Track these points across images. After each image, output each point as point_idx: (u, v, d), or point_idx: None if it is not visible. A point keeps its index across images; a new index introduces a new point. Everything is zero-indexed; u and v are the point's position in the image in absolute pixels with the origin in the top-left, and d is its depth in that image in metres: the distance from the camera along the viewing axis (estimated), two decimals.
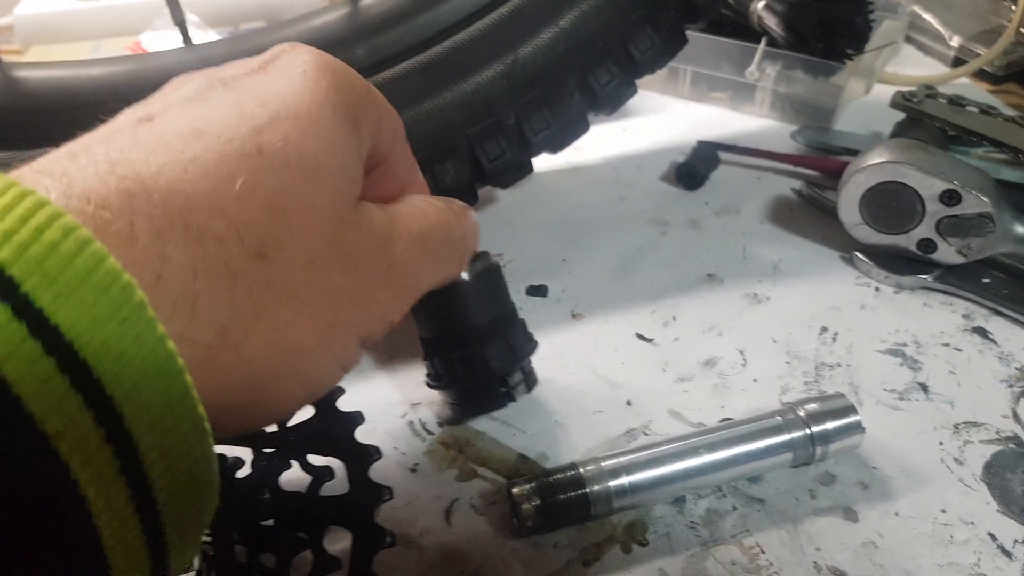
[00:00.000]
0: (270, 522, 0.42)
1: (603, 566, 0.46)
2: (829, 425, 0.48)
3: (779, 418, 0.49)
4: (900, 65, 0.96)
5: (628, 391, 0.56)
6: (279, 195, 0.27)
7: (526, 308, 0.63)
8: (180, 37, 0.63)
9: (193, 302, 0.24)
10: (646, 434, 0.53)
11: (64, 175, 0.23)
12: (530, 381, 0.51)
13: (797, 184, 0.74)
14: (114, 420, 0.20)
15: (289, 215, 0.27)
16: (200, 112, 0.27)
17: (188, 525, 0.23)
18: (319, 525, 0.41)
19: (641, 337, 0.60)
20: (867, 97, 0.88)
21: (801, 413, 0.49)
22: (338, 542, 0.42)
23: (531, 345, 0.51)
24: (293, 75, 0.30)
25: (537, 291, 0.64)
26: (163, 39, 0.92)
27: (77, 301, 0.20)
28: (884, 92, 0.88)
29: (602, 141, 0.83)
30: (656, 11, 0.63)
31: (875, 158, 0.61)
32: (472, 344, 0.47)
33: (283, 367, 0.28)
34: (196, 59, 0.61)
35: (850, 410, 0.49)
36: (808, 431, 0.48)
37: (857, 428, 0.49)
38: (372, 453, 0.41)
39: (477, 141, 0.63)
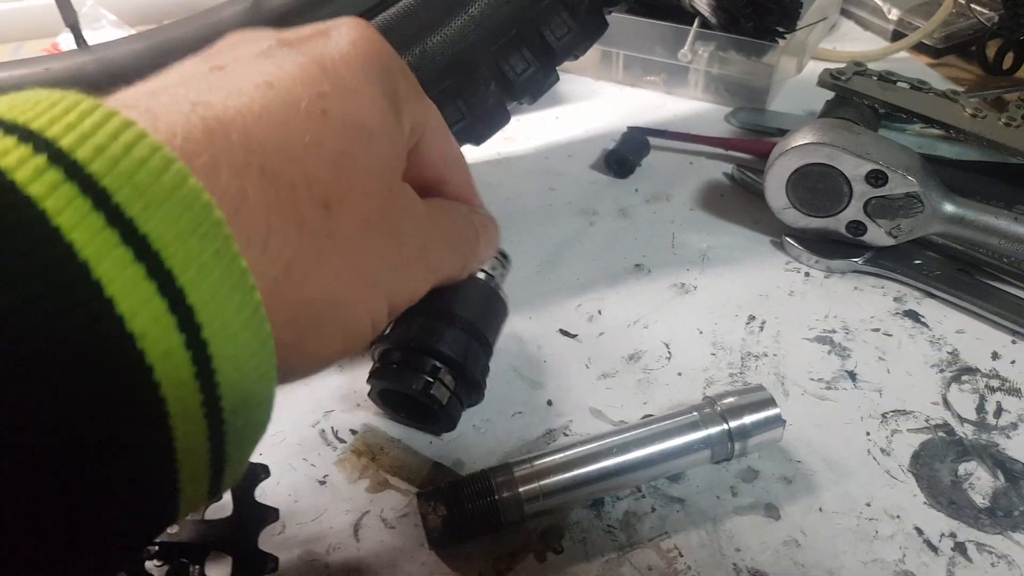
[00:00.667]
0: (154, 547, 0.39)
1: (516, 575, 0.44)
2: (747, 419, 0.47)
3: (696, 414, 0.47)
4: (838, 41, 0.94)
5: (550, 390, 0.54)
6: (340, 156, 0.29)
7: None
8: (104, 35, 0.60)
9: (266, 238, 0.25)
10: (566, 435, 0.51)
11: (148, 110, 0.24)
12: (457, 398, 0.48)
13: (728, 167, 0.72)
14: (194, 328, 0.21)
15: (350, 175, 0.29)
16: (269, 67, 0.28)
17: (246, 441, 0.25)
18: (201, 549, 0.39)
19: (565, 333, 0.58)
20: (803, 76, 0.86)
21: (718, 408, 0.47)
22: (224, 566, 0.40)
23: (480, 371, 0.48)
24: (347, 49, 0.31)
25: None
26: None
27: (163, 214, 0.21)
28: (818, 69, 0.86)
29: (533, 130, 0.80)
30: None
31: (799, 140, 0.59)
32: (437, 318, 0.45)
33: (332, 313, 0.30)
34: (92, 60, 0.59)
35: (769, 403, 0.47)
36: (726, 426, 0.46)
37: (776, 421, 0.47)
38: (258, 473, 0.39)
39: None
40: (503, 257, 0.50)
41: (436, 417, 0.49)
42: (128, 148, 0.21)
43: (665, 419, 0.47)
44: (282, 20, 0.58)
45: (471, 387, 0.48)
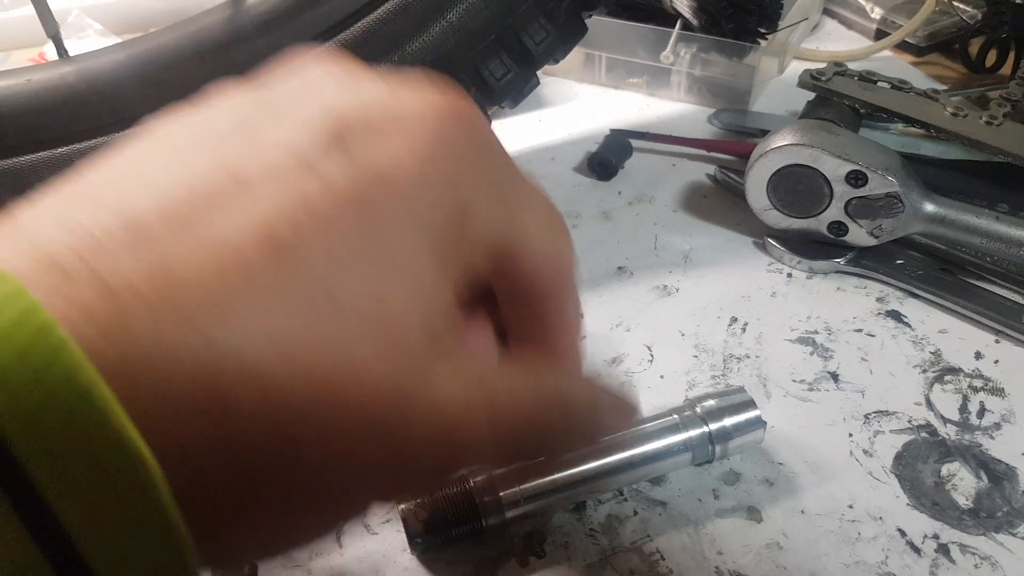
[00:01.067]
0: None
1: None
2: (728, 421, 0.47)
3: (676, 416, 0.47)
4: (822, 41, 0.94)
5: None
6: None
7: None
8: (89, 44, 0.60)
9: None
10: None
11: (92, 276, 0.17)
12: None
13: (711, 169, 0.72)
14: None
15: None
16: (315, 198, 0.20)
17: None
18: None
19: None
20: (785, 76, 0.86)
21: (698, 410, 0.47)
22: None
23: None
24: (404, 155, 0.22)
25: None
26: (68, 48, 0.89)
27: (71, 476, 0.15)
28: (800, 69, 0.86)
29: (516, 133, 0.80)
30: (548, 0, 0.61)
31: (779, 141, 0.59)
32: None
33: None
34: (74, 71, 0.58)
35: (749, 405, 0.47)
36: (706, 429, 0.46)
37: (757, 423, 0.47)
38: None
39: None
40: None
41: None
42: (38, 374, 0.15)
43: (645, 422, 0.47)
44: (265, 28, 0.58)
45: None
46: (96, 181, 0.20)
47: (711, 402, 0.47)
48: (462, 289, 0.24)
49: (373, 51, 0.59)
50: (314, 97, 0.22)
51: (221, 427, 0.17)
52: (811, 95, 0.69)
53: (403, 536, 0.45)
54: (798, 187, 0.60)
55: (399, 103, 0.23)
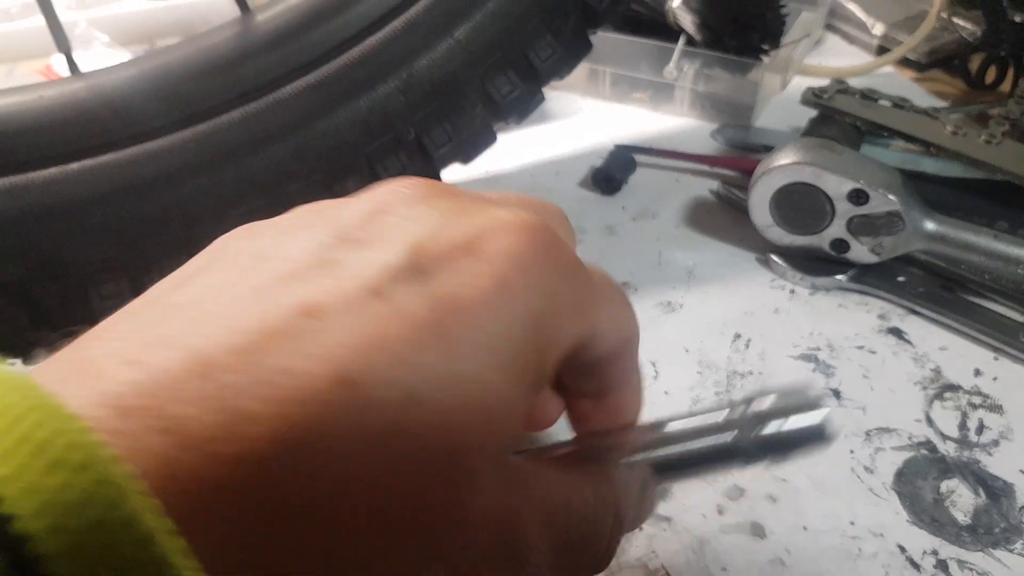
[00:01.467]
0: None
1: None
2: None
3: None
4: (823, 56, 0.95)
5: None
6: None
7: None
8: (96, 56, 0.61)
9: None
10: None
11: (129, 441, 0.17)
12: None
13: (714, 184, 0.73)
14: None
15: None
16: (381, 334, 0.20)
17: None
18: None
19: None
20: (788, 92, 0.87)
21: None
22: None
23: None
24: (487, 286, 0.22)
25: None
26: (75, 60, 0.90)
27: None
28: (803, 85, 0.87)
29: (521, 147, 0.81)
30: (554, 18, 0.62)
31: (781, 159, 0.60)
32: None
33: None
34: (85, 87, 0.59)
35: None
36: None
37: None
38: None
39: (376, 158, 0.61)
40: None
41: None
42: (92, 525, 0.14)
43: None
44: (276, 44, 0.59)
45: None
46: (168, 314, 0.20)
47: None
48: (534, 396, 0.24)
49: (381, 68, 0.60)
50: (393, 226, 0.23)
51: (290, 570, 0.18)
52: (813, 111, 0.70)
53: None
54: (801, 205, 0.60)
55: (476, 228, 0.23)
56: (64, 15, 0.97)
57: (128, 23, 0.99)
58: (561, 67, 0.64)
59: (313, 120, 0.59)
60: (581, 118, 0.87)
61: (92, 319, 0.56)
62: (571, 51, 0.64)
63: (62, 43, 0.60)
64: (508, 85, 0.63)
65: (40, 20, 0.81)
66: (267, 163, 0.59)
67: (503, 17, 0.60)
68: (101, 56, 0.92)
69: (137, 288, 0.57)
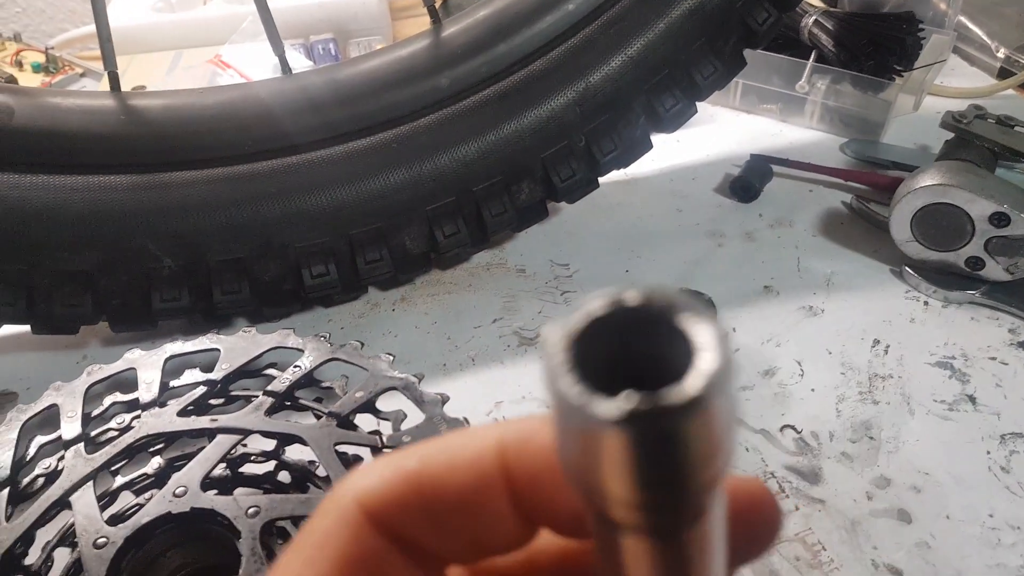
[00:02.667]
0: None
1: None
2: None
3: None
4: (945, 76, 0.98)
5: None
6: None
7: None
8: (261, 50, 0.67)
9: None
10: None
11: None
12: None
13: (847, 196, 0.78)
14: None
15: None
16: None
17: None
18: None
19: None
20: (911, 110, 0.91)
21: None
22: None
23: None
24: None
25: None
26: (243, 52, 0.97)
27: None
28: (930, 104, 0.91)
29: (657, 152, 0.86)
30: (718, 38, 0.68)
31: (927, 180, 0.65)
32: None
33: None
34: (296, 88, 0.66)
35: None
36: None
37: None
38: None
39: (551, 163, 0.67)
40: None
41: None
42: None
43: None
44: (467, 55, 0.65)
45: None
46: None
47: None
48: None
49: (559, 80, 0.66)
50: None
51: None
52: (945, 132, 0.74)
53: None
54: (941, 223, 0.65)
55: None
56: (230, 7, 1.05)
57: (284, 19, 1.06)
58: (720, 83, 0.70)
59: (499, 126, 0.65)
60: (712, 126, 0.92)
61: (303, 299, 0.63)
62: (730, 68, 0.70)
63: (277, 46, 0.67)
64: (672, 99, 0.68)
65: (200, 13, 0.90)
66: (457, 163, 0.65)
67: (673, 37, 0.66)
68: (262, 49, 0.99)
69: (343, 272, 0.64)
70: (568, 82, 0.66)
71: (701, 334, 0.14)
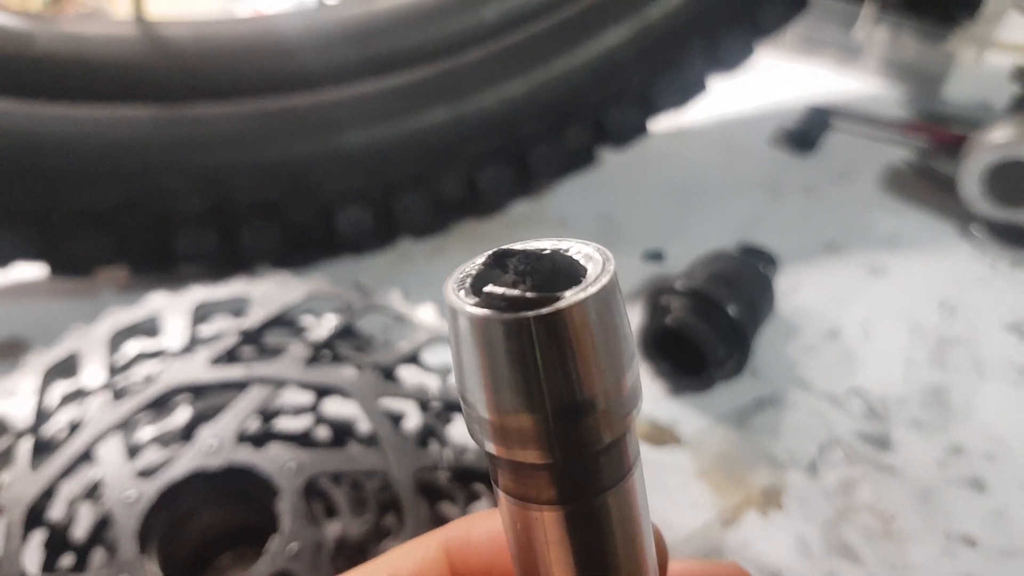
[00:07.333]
0: (446, 473, 0.42)
1: (741, 527, 0.47)
2: None
3: None
4: (1002, 30, 0.94)
5: (752, 361, 0.57)
6: None
7: (641, 274, 0.63)
8: None
9: None
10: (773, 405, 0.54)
11: None
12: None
13: (907, 152, 0.74)
14: None
15: None
16: None
17: None
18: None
19: None
20: (973, 64, 0.86)
21: None
22: None
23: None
24: None
25: (654, 257, 0.65)
26: None
27: None
28: (990, 60, 0.87)
29: (706, 101, 0.82)
30: None
31: (1001, 136, 0.61)
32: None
33: None
34: (332, 18, 0.62)
35: None
36: None
37: None
38: None
39: (603, 105, 0.63)
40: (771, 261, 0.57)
41: (701, 375, 0.53)
42: None
43: None
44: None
45: (742, 362, 0.53)
46: None
47: None
48: None
49: (616, 14, 0.62)
50: None
51: None
52: (1006, 85, 0.70)
53: None
54: (1014, 181, 0.61)
55: None
56: None
57: None
58: (781, 24, 0.66)
59: (548, 62, 0.61)
60: (763, 77, 0.87)
61: (334, 246, 0.59)
62: (792, 8, 0.65)
63: None
64: (730, 38, 0.64)
65: None
66: (502, 103, 0.61)
67: None
68: None
69: (377, 218, 0.60)
70: (624, 17, 0.62)
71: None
